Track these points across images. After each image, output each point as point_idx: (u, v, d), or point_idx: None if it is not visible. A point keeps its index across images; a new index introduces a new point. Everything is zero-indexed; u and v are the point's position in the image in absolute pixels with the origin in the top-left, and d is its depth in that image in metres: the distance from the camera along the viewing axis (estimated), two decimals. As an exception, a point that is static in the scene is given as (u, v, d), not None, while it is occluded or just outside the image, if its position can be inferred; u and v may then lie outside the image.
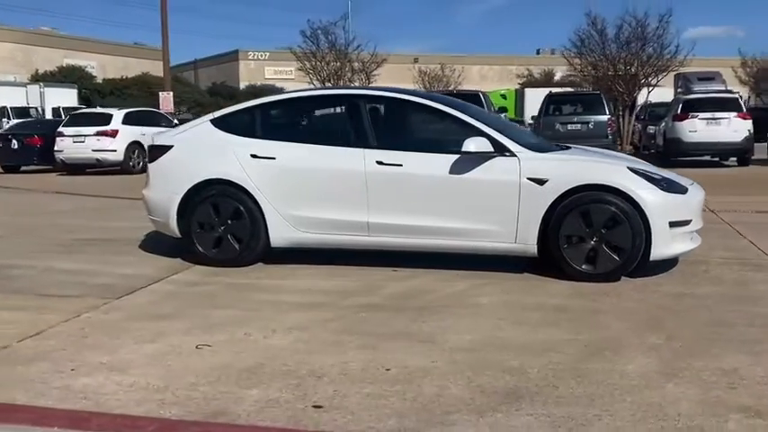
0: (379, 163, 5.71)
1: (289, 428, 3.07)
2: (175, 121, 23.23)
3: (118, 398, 3.37)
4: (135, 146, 18.92)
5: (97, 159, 18.77)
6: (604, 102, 17.69)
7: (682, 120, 16.98)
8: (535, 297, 5.09)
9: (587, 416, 3.12)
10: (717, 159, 17.67)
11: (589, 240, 5.38)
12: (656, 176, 5.50)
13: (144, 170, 18.57)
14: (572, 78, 47.34)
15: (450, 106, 5.88)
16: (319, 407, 3.26)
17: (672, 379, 3.53)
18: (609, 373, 3.62)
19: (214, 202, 6.04)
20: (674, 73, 39.62)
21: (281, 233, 5.95)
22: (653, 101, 24.48)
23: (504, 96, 44.47)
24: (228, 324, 4.50)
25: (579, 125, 17.25)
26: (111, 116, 19.57)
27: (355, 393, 3.40)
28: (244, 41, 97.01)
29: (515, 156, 5.52)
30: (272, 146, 6.00)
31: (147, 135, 20.50)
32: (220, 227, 6.04)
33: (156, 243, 7.07)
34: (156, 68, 42.65)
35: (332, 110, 6.43)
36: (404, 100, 6.03)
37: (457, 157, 5.59)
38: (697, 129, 16.74)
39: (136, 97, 41.19)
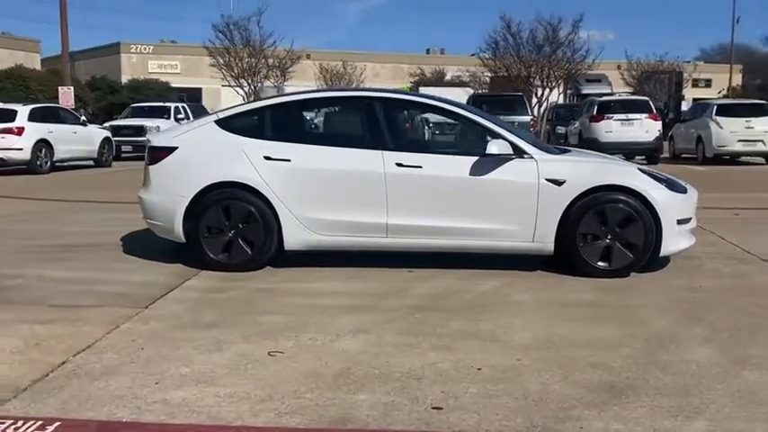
0: (399, 165, 5.76)
1: (423, 431, 3.10)
2: (83, 118, 22.16)
3: (228, 410, 3.28)
4: (42, 144, 18.01)
5: (2, 159, 17.65)
6: (526, 103, 18.37)
7: (598, 121, 17.90)
8: (563, 294, 5.30)
9: (693, 404, 3.33)
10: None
11: (604, 238, 5.66)
12: (661, 177, 5.85)
13: (53, 169, 17.96)
14: (462, 78, 48.55)
15: (464, 110, 6.00)
16: (438, 408, 3.30)
17: (744, 366, 3.80)
18: (685, 363, 3.85)
19: (225, 205, 5.89)
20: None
21: (295, 236, 5.88)
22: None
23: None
24: (284, 330, 4.44)
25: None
26: (15, 112, 18.42)
27: (464, 393, 3.46)
28: (122, 34, 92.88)
29: (533, 158, 5.72)
30: (286, 147, 5.92)
31: (56, 132, 19.86)
32: (230, 230, 5.90)
33: (140, 248, 6.82)
34: (30, 61, 40.23)
35: (346, 111, 6.41)
36: (419, 103, 6.10)
37: (475, 159, 5.73)
38: (612, 129, 17.71)
39: (9, 91, 38.45)
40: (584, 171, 5.77)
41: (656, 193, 5.64)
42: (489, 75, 41.23)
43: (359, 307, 4.96)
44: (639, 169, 5.86)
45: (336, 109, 6.51)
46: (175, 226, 5.99)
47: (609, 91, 30.10)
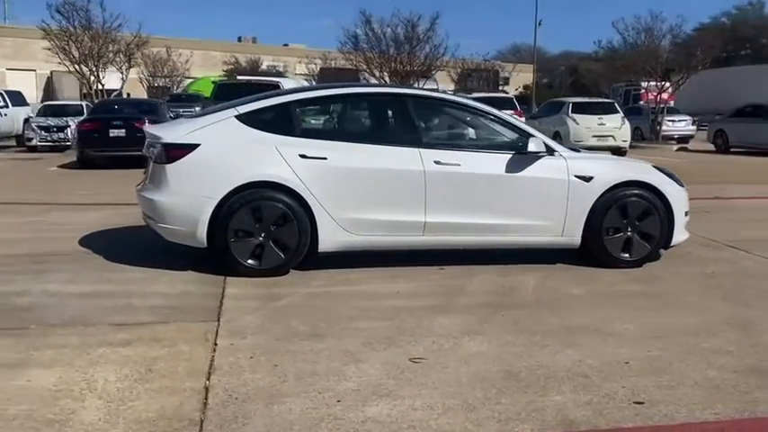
0: (437, 163, 5.73)
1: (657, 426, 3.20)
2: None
3: (446, 422, 3.17)
4: None
5: None
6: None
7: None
8: (607, 286, 5.57)
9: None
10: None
11: (625, 231, 6.02)
12: (669, 172, 6.32)
13: None
14: (278, 69, 48.19)
15: (494, 108, 6.10)
16: (640, 402, 3.41)
17: (841, 341, 4.29)
18: (786, 341, 4.27)
19: (255, 206, 5.53)
20: (320, 67, 42.38)
21: (331, 237, 5.66)
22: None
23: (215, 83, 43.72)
24: (394, 335, 4.32)
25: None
26: None
27: (645, 387, 3.58)
28: None
29: (562, 155, 5.96)
30: (321, 145, 5.67)
31: None
32: (261, 233, 5.56)
33: (119, 254, 6.24)
34: None
35: (380, 108, 6.18)
36: (452, 101, 6.10)
37: (509, 156, 5.86)
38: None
39: None
40: (609, 168, 6.11)
41: (669, 188, 6.10)
42: (321, 65, 41.42)
43: (437, 307, 4.92)
44: (654, 166, 6.30)
45: (369, 105, 6.28)
46: (199, 230, 5.52)
47: (435, 87, 31.49)
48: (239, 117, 5.73)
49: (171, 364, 3.82)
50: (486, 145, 6.02)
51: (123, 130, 15.15)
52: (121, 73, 26.20)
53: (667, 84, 33.28)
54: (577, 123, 18.95)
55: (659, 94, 36.69)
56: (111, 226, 7.77)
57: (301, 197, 5.56)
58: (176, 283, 5.43)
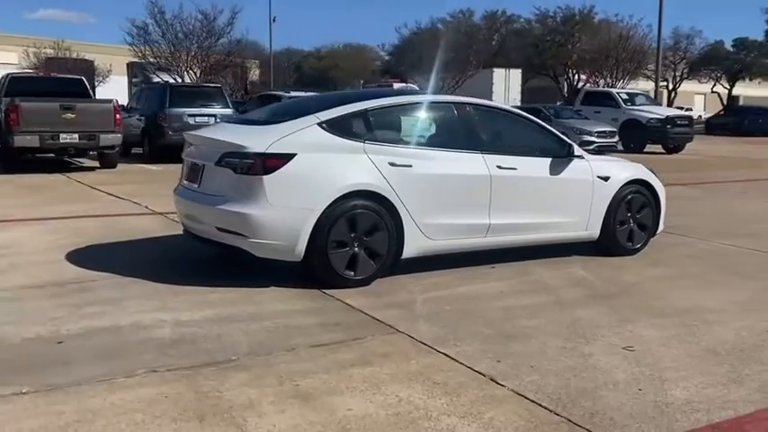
0: (499, 167, 6.13)
1: None
2: None
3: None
4: None
5: None
6: (225, 95, 18.22)
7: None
8: (642, 271, 6.37)
9: None
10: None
11: (629, 223, 6.95)
12: (653, 171, 7.36)
13: None
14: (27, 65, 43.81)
15: (532, 116, 6.64)
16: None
17: None
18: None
19: (351, 216, 5.45)
20: (127, 62, 40.84)
21: (414, 243, 5.78)
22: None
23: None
24: (576, 328, 4.69)
25: (207, 118, 17.38)
26: None
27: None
28: None
29: (584, 158, 6.70)
30: (403, 152, 5.74)
31: None
32: (354, 243, 5.50)
33: (161, 275, 5.74)
34: None
35: (448, 115, 6.26)
36: (500, 108, 6.48)
37: (549, 160, 6.46)
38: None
39: None
40: (619, 168, 6.98)
41: (657, 184, 7.16)
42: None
43: (559, 302, 5.35)
44: (645, 166, 7.31)
45: (438, 113, 6.33)
46: (299, 244, 5.30)
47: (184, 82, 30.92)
48: (322, 124, 5.58)
49: (443, 375, 3.83)
50: (531, 150, 6.54)
51: None
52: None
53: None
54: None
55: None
56: (62, 244, 6.90)
57: (392, 205, 5.61)
58: (285, 300, 5.18)
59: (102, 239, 7.19)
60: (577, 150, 6.53)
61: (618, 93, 24.41)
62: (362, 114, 5.80)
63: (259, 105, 21.26)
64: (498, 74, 49.35)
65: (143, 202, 9.95)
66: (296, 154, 5.33)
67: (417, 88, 44.19)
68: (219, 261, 6.44)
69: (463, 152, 6.07)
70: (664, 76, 51.50)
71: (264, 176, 5.25)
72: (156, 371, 3.80)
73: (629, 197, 6.92)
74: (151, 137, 17.24)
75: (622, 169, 7.04)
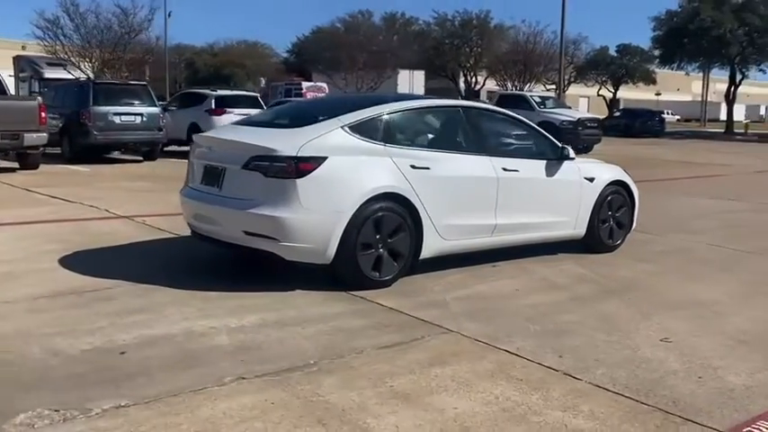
0: (504, 169, 6.36)
1: None
2: None
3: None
4: None
5: None
6: (151, 93, 17.61)
7: (219, 114, 18.43)
8: (633, 266, 6.77)
9: None
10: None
11: (609, 222, 7.36)
12: (627, 172, 7.80)
13: None
14: None
15: (527, 120, 6.90)
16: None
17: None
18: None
19: (377, 217, 5.52)
20: (13, 56, 38.83)
21: (431, 244, 5.91)
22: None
23: None
24: (614, 321, 4.98)
25: (133, 117, 16.76)
26: None
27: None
28: None
29: (575, 160, 7.04)
30: (424, 155, 5.87)
31: None
32: (379, 245, 5.58)
33: (176, 280, 5.63)
34: None
35: (458, 119, 6.38)
36: (502, 112, 6.69)
37: (544, 162, 6.76)
38: (234, 123, 18.46)
39: None
40: (602, 170, 7.37)
41: (633, 185, 7.62)
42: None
43: (577, 299, 5.63)
44: (621, 168, 7.73)
45: (450, 116, 6.42)
46: (330, 246, 5.33)
47: (72, 77, 29.57)
48: (346, 127, 5.61)
49: (519, 372, 4.00)
50: (529, 152, 6.81)
51: None
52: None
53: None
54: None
55: (318, 92, 39.72)
56: (44, 252, 6.59)
57: (413, 206, 5.73)
58: (320, 303, 5.20)
59: (87, 246, 6.89)
60: (571, 153, 6.87)
61: (531, 96, 25.41)
62: (382, 118, 5.88)
63: (180, 103, 20.68)
64: (403, 75, 50.20)
65: (99, 204, 9.56)
66: (327, 157, 5.35)
67: (326, 87, 44.36)
68: (224, 264, 6.37)
69: (473, 155, 6.26)
70: (554, 79, 53.89)
71: (298, 180, 5.24)
72: (244, 378, 3.77)
73: (610, 197, 7.33)
74: (72, 136, 16.45)
75: (605, 171, 7.44)
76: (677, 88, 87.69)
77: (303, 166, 5.27)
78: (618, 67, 66.14)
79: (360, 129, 5.68)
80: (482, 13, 60.14)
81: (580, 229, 7.13)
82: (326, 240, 5.33)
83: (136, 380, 3.71)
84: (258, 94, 21.63)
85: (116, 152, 18.24)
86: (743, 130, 46.14)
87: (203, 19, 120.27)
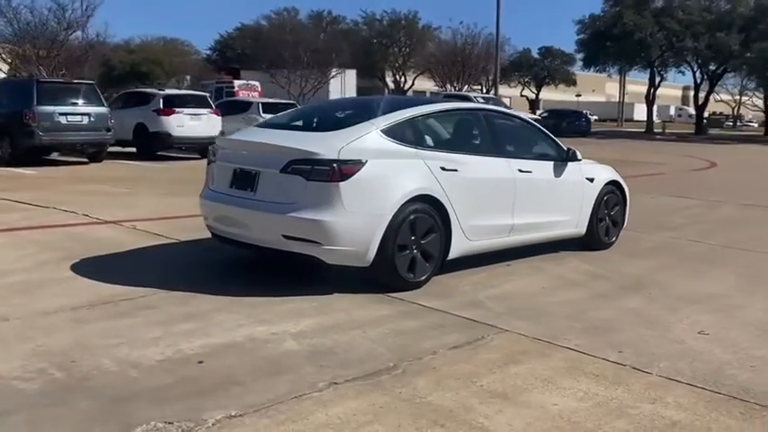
0: (520, 170, 6.53)
1: None
2: None
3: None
4: None
5: None
6: (98, 92, 17.01)
7: (168, 114, 17.99)
8: (635, 263, 7.07)
9: None
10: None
11: (606, 220, 7.66)
12: (617, 172, 8.11)
13: None
14: None
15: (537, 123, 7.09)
16: None
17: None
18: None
19: (412, 219, 5.59)
20: None
21: (458, 245, 6.02)
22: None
23: None
24: (642, 317, 5.21)
25: (80, 117, 16.15)
26: None
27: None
28: None
29: (581, 161, 7.29)
30: (452, 157, 5.97)
31: None
32: (413, 246, 5.65)
33: (207, 285, 5.58)
34: None
35: (479, 122, 6.49)
36: (515, 115, 6.85)
37: (552, 163, 6.97)
38: (184, 124, 18.08)
39: None
40: (599, 170, 7.64)
41: (624, 184, 7.94)
42: None
43: (595, 296, 5.83)
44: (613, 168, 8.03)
45: (472, 119, 6.48)
46: (371, 249, 5.37)
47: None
48: (382, 130, 5.66)
49: (593, 368, 4.15)
50: (540, 153, 7.01)
51: None
52: None
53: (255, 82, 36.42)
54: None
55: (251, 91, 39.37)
56: (46, 260, 6.36)
57: (444, 208, 5.82)
58: (366, 306, 5.24)
59: (90, 253, 6.62)
60: (578, 154, 7.11)
61: (475, 97, 25.91)
62: (413, 120, 5.97)
63: (124, 103, 19.98)
64: (323, 73, 49.88)
65: (74, 209, 9.21)
66: (367, 160, 5.38)
67: (258, 85, 43.79)
68: (243, 268, 6.32)
69: (493, 156, 6.42)
70: (479, 80, 55.15)
71: (341, 183, 5.25)
72: (336, 383, 3.78)
73: (606, 197, 7.62)
74: (14, 138, 15.70)
75: (602, 171, 7.74)
76: (593, 89, 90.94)
77: (346, 169, 5.28)
78: (540, 69, 68.09)
79: (392, 132, 5.74)
80: (410, 14, 60.84)
81: (581, 228, 7.39)
82: (368, 243, 5.36)
83: (230, 389, 3.66)
84: (207, 94, 21.13)
85: (55, 153, 17.53)
86: (661, 130, 48.31)
87: (120, 16, 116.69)
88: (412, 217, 5.59)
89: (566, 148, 7.14)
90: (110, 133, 16.61)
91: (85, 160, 16.85)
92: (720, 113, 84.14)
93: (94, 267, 6.13)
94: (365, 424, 3.32)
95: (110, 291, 5.40)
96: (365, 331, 4.65)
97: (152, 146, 18.20)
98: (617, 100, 74.73)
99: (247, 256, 6.47)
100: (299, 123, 6.37)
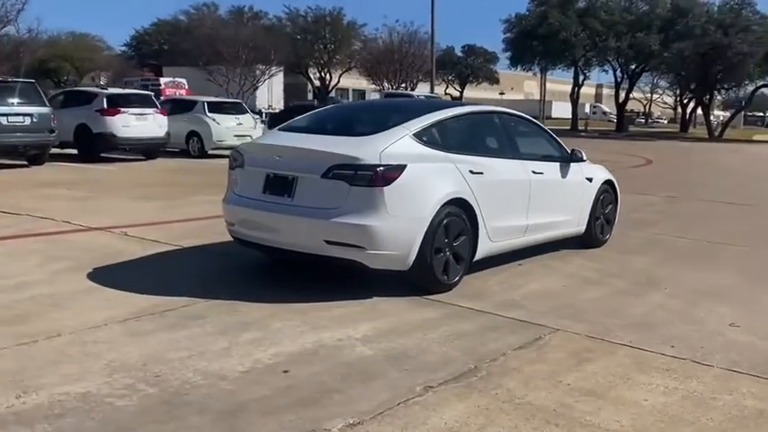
0: (534, 172, 6.70)
1: None
2: None
3: None
4: None
5: None
6: (40, 91, 16.26)
7: (113, 114, 17.39)
8: (639, 263, 7.32)
9: None
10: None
11: (601, 218, 7.94)
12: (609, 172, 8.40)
13: None
14: None
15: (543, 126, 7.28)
16: None
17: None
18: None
19: (447, 222, 5.66)
20: None
21: (483, 246, 6.12)
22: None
23: None
24: (673, 312, 5.46)
25: (22, 117, 15.40)
26: None
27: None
28: None
29: (585, 162, 7.53)
30: (477, 160, 6.06)
31: None
32: (446, 248, 5.73)
33: (246, 292, 5.52)
34: None
35: (497, 125, 6.61)
36: (526, 118, 7.01)
37: (558, 164, 7.18)
38: (129, 124, 17.50)
39: None
40: (596, 170, 7.90)
41: (616, 183, 8.25)
42: None
43: (619, 293, 6.08)
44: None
45: (492, 122, 6.56)
46: (411, 252, 5.42)
47: None
48: (415, 134, 5.71)
49: (658, 363, 4.34)
50: (547, 155, 7.18)
51: None
52: None
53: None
54: (218, 123, 19.38)
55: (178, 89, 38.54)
56: (58, 270, 6.13)
57: (473, 210, 5.92)
58: (411, 309, 5.29)
59: (100, 263, 6.34)
60: (583, 155, 7.34)
61: (418, 95, 26.15)
62: (442, 124, 6.05)
63: (63, 103, 19.18)
64: (261, 71, 49.37)
65: (51, 215, 8.84)
66: (407, 165, 5.42)
67: (185, 82, 42.83)
68: (265, 272, 6.25)
69: (511, 159, 6.57)
70: (412, 79, 55.65)
71: (385, 188, 5.27)
72: (431, 387, 3.82)
73: (602, 196, 7.90)
74: (-50, 140, 14.85)
75: (598, 171, 8.01)
76: (511, 87, 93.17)
77: (389, 174, 5.30)
78: (464, 67, 69.17)
79: (423, 135, 5.80)
80: (335, 11, 60.70)
81: (582, 227, 7.64)
82: (409, 246, 5.41)
83: (332, 396, 3.65)
84: (151, 93, 20.50)
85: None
86: (584, 127, 50.00)
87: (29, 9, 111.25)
88: (446, 220, 5.67)
89: (569, 150, 7.37)
90: (53, 134, 15.92)
91: (25, 163, 16.10)
92: (632, 111, 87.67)
93: (113, 277, 5.92)
94: (484, 426, 3.37)
95: (146, 301, 5.24)
96: (426, 334, 4.70)
97: (95, 147, 17.53)
98: (535, 98, 76.76)
99: (261, 259, 6.42)
100: (330, 127, 6.35)
